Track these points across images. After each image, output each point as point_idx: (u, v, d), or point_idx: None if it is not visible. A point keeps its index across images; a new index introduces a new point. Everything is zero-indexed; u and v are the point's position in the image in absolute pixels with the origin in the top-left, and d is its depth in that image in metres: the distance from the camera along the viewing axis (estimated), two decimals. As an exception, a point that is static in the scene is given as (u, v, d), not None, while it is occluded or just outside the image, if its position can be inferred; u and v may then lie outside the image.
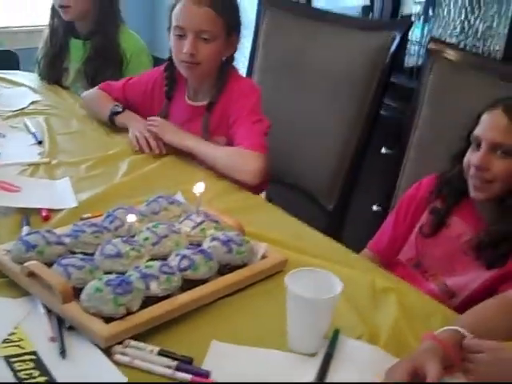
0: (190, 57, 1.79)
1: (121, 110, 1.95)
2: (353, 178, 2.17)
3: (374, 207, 2.33)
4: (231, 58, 1.89)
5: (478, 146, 1.41)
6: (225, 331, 1.14)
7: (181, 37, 1.80)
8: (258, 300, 1.23)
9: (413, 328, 1.17)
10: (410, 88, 2.08)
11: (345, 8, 3.02)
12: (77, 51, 2.37)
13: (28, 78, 2.44)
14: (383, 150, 2.39)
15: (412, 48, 2.64)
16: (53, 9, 2.37)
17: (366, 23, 2.20)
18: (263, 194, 1.97)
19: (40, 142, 1.85)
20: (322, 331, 1.08)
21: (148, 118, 1.87)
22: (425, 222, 1.54)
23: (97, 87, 2.08)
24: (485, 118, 1.42)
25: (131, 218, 1.26)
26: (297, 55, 2.24)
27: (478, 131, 1.42)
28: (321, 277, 1.10)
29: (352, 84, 2.11)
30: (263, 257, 1.32)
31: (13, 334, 1.11)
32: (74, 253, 1.26)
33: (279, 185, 2.25)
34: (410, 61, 2.62)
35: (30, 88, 2.30)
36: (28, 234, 1.26)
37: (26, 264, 1.19)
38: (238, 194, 1.66)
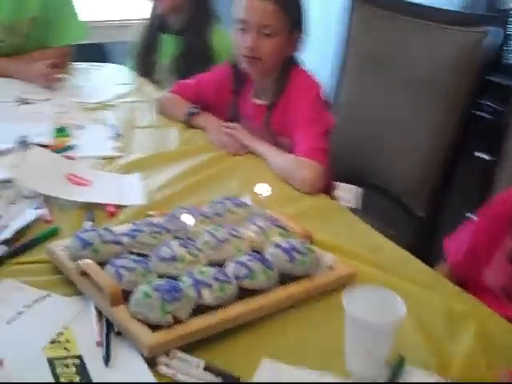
0: (251, 51, 1.73)
1: (197, 111, 1.92)
2: (445, 182, 2.03)
3: (469, 215, 2.18)
4: (294, 57, 1.81)
5: None
6: (278, 348, 1.05)
7: (243, 31, 1.75)
8: (320, 315, 1.14)
9: (491, 361, 1.04)
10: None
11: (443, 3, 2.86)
12: (168, 46, 2.36)
13: (115, 70, 2.45)
14: (479, 154, 2.24)
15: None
16: (153, 1, 2.36)
17: (460, 18, 2.04)
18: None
19: (118, 135, 1.83)
20: (381, 357, 0.98)
21: (224, 125, 1.84)
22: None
23: (169, 90, 2.06)
24: None
25: (189, 219, 1.20)
26: (386, 52, 2.13)
27: None
28: (383, 296, 1.00)
29: (443, 83, 1.98)
30: (329, 268, 1.23)
31: (61, 334, 1.08)
32: (132, 253, 1.22)
33: (363, 186, 2.15)
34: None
35: (116, 81, 2.30)
36: (85, 231, 1.22)
37: (79, 262, 1.15)
38: (311, 198, 1.57)
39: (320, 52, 4.13)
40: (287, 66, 1.79)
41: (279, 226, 1.29)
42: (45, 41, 2.41)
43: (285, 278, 1.19)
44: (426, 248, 2.00)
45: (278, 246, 1.22)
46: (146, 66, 2.40)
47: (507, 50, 2.35)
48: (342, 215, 1.53)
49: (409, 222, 2.06)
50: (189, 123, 1.92)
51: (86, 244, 1.18)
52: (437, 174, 2.01)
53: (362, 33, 2.23)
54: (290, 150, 1.72)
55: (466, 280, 1.42)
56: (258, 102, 1.84)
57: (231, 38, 2.32)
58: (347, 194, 2.37)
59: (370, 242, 1.38)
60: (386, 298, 1.00)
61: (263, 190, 1.31)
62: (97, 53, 2.86)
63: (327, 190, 1.67)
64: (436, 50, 2.01)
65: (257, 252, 1.23)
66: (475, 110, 2.17)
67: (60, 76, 2.23)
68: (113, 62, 2.70)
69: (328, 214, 1.51)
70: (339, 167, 2.17)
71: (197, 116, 1.92)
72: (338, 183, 2.22)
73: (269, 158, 1.71)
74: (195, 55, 2.27)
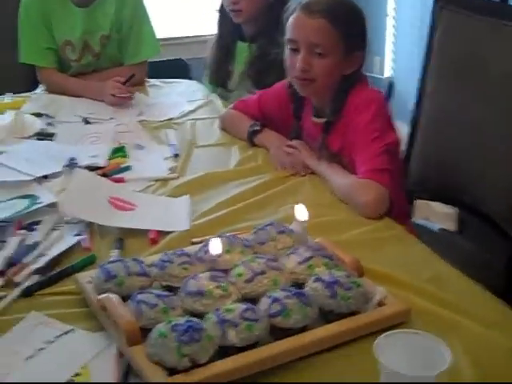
0: (303, 73, 1.60)
1: (259, 128, 1.82)
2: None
3: None
4: (354, 75, 1.66)
5: None
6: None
7: (294, 51, 1.62)
8: (365, 360, 0.99)
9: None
10: None
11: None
12: (242, 54, 2.30)
13: (186, 86, 2.39)
14: None
15: None
16: (221, 12, 2.31)
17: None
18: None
19: (176, 155, 1.76)
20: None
21: (286, 144, 1.73)
22: None
23: (231, 106, 1.99)
24: None
25: (216, 249, 1.09)
26: (475, 58, 1.95)
27: None
28: (426, 343, 0.85)
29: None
30: (380, 304, 1.08)
31: (78, 374, 1.00)
32: (162, 286, 1.13)
33: (449, 203, 1.97)
34: None
35: (185, 97, 2.24)
36: (111, 262, 1.14)
37: (100, 297, 1.07)
38: (372, 223, 1.42)
39: (407, 58, 3.97)
40: (345, 84, 1.64)
41: (325, 256, 1.16)
42: (118, 58, 2.39)
43: (327, 316, 1.06)
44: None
45: (318, 279, 1.08)
46: (221, 76, 2.34)
47: None
48: (403, 241, 1.37)
49: (502, 243, 1.86)
50: (251, 141, 1.82)
51: (110, 276, 1.10)
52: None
53: (446, 36, 2.07)
54: (351, 171, 1.58)
55: None
56: (317, 120, 1.71)
57: None
58: (438, 213, 2.20)
59: (430, 272, 1.22)
60: (429, 345, 0.85)
61: (302, 213, 1.18)
62: (175, 68, 2.83)
63: (392, 213, 1.51)
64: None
65: (298, 285, 1.11)
66: None
67: (131, 94, 2.19)
68: (191, 77, 2.66)
69: (387, 239, 1.36)
70: (426, 183, 2.01)
71: (259, 134, 1.82)
72: (427, 202, 2.07)
73: (330, 180, 1.58)
74: (268, 61, 2.18)
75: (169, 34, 3.51)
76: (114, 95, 2.16)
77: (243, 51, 2.29)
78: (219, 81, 2.35)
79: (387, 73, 4.15)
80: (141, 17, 2.36)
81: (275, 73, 2.09)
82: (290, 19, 1.64)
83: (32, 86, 2.67)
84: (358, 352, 1.01)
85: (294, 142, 1.72)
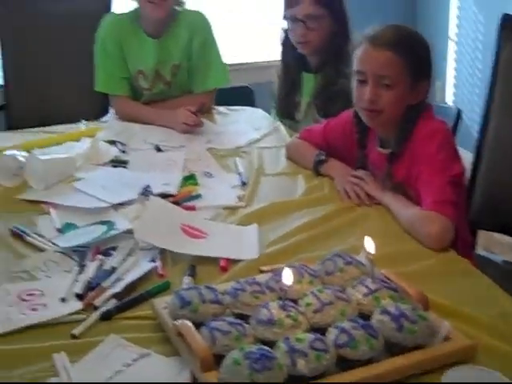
0: (371, 104, 1.64)
1: (324, 158, 1.86)
2: None
3: None
4: (420, 105, 1.68)
5: None
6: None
7: (361, 82, 1.65)
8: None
9: None
10: None
11: None
12: (308, 84, 2.34)
13: (252, 114, 2.45)
14: None
15: None
16: (284, 45, 2.36)
17: None
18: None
19: (244, 184, 1.81)
20: None
21: (352, 174, 1.76)
22: None
23: (297, 136, 2.03)
24: None
25: (289, 279, 1.14)
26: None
27: None
28: (493, 380, 0.88)
29: None
30: (445, 339, 1.11)
31: (153, 397, 1.06)
32: (233, 313, 1.18)
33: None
34: None
35: (252, 125, 2.30)
36: (186, 289, 1.20)
37: (175, 322, 1.13)
38: (437, 255, 1.44)
39: (470, 83, 3.95)
40: (411, 115, 1.67)
41: (391, 288, 1.19)
42: (187, 86, 2.47)
43: (393, 348, 1.09)
44: None
45: (385, 311, 1.12)
46: (289, 107, 2.39)
47: None
48: (469, 275, 1.39)
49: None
50: (317, 171, 1.87)
51: (185, 303, 1.16)
52: None
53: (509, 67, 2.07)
54: (416, 202, 1.61)
55: None
56: (382, 150, 1.74)
57: None
58: (501, 245, 2.19)
59: (497, 308, 1.24)
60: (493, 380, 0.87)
61: (370, 246, 1.22)
62: (240, 95, 2.90)
63: (456, 245, 1.53)
64: None
65: (364, 316, 1.14)
66: None
67: (200, 121, 2.27)
68: (257, 104, 2.72)
69: (453, 273, 1.38)
70: (489, 214, 2.01)
71: (324, 163, 1.86)
72: (491, 233, 2.06)
73: (394, 210, 1.61)
74: (334, 91, 2.21)
75: (233, 59, 3.59)
76: (186, 123, 2.24)
77: (309, 82, 2.33)
78: (287, 112, 2.40)
79: (449, 97, 4.13)
80: (210, 45, 2.43)
81: (341, 102, 2.13)
82: (357, 51, 1.68)
83: (102, 111, 2.79)
84: (423, 384, 1.04)
85: (359, 172, 1.76)
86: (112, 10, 2.73)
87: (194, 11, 2.43)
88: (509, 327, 1.18)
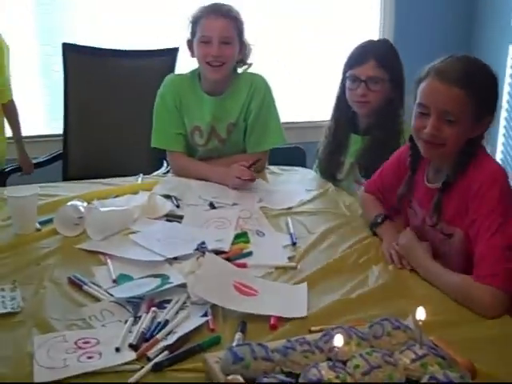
0: (432, 137, 1.65)
1: (380, 221, 1.91)
2: None
3: None
4: (479, 138, 1.69)
5: None
6: None
7: (423, 115, 1.66)
8: None
9: None
10: None
11: None
12: (355, 146, 2.39)
13: (303, 174, 2.51)
14: None
15: None
16: (339, 102, 2.41)
17: None
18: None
19: (294, 244, 1.86)
20: None
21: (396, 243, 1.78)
22: None
23: (363, 189, 2.09)
24: None
25: (339, 341, 1.17)
26: None
27: None
28: None
29: None
30: (491, 408, 1.12)
31: None
32: (283, 371, 1.21)
33: None
34: None
35: (303, 185, 2.35)
36: (239, 345, 1.24)
37: (229, 377, 1.16)
38: (489, 322, 1.46)
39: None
40: (470, 148, 1.66)
41: (439, 355, 1.21)
42: (242, 145, 2.53)
43: (440, 415, 1.11)
44: None
45: (433, 378, 1.14)
46: (332, 166, 2.43)
47: None
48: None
49: None
50: (373, 232, 1.92)
51: (238, 358, 1.19)
52: None
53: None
54: (460, 242, 1.63)
55: None
56: (431, 185, 1.75)
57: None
58: None
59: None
60: None
61: (421, 314, 1.24)
62: (293, 154, 2.96)
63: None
64: None
65: (411, 382, 1.16)
66: None
67: (253, 176, 2.32)
68: (308, 163, 2.76)
69: (505, 341, 1.39)
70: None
71: (381, 225, 1.90)
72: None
73: (436, 279, 1.61)
74: (382, 151, 2.22)
75: (286, 118, 3.68)
76: (239, 178, 2.29)
77: (356, 143, 2.38)
78: (329, 171, 2.44)
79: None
80: (269, 107, 2.49)
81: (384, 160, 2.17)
82: (423, 84, 1.66)
83: (158, 165, 2.89)
84: None
85: (401, 242, 1.77)
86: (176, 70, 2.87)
87: (255, 74, 2.51)
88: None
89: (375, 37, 3.88)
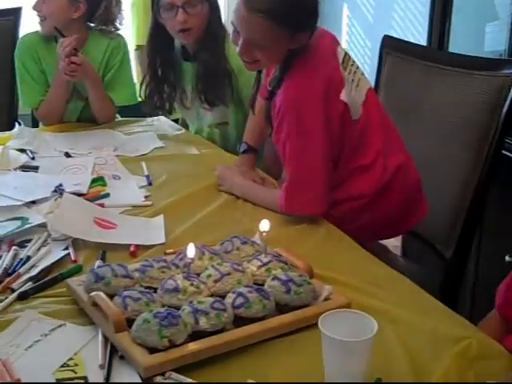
0: (244, 58, 1.72)
1: (241, 151, 2.05)
2: (473, 223, 2.05)
3: (507, 258, 2.19)
4: (299, 49, 1.70)
5: None
6: (267, 373, 1.13)
7: (238, 33, 1.68)
8: (313, 343, 1.19)
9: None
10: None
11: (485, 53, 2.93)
12: (189, 72, 2.40)
13: (160, 124, 2.59)
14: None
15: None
16: (153, 37, 2.38)
17: (485, 62, 2.11)
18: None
19: (150, 184, 1.95)
20: (357, 374, 1.03)
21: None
22: None
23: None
24: None
25: (191, 253, 1.29)
26: (415, 97, 2.20)
27: None
28: (357, 318, 1.07)
29: (471, 125, 2.03)
30: (326, 299, 1.29)
31: (71, 359, 1.18)
32: (142, 286, 1.32)
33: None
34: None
35: (158, 134, 2.44)
36: (100, 267, 1.33)
37: (91, 294, 1.26)
38: (321, 234, 1.65)
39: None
40: (287, 60, 1.70)
41: (281, 261, 1.37)
42: None
43: (282, 308, 1.26)
44: (453, 288, 2.03)
45: (276, 278, 1.29)
46: (174, 97, 2.45)
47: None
48: (350, 251, 1.58)
49: (438, 263, 2.08)
50: None
51: (99, 278, 1.29)
52: (465, 215, 2.04)
53: (391, 80, 2.32)
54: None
55: None
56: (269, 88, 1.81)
57: None
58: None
59: (371, 276, 1.44)
60: (360, 319, 1.07)
61: (265, 226, 1.39)
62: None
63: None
64: (463, 94, 2.07)
65: (258, 285, 1.31)
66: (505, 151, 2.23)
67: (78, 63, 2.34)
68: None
69: (337, 250, 1.58)
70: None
71: (242, 154, 2.05)
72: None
73: (257, 196, 1.82)
74: (213, 75, 2.28)
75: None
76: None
77: (190, 70, 2.38)
78: (168, 103, 2.46)
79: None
80: (125, 64, 2.55)
81: (221, 85, 2.27)
82: (235, 7, 1.65)
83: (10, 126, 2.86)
84: (309, 337, 1.21)
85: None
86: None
87: (117, 34, 2.54)
88: (379, 288, 1.38)
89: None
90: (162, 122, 2.62)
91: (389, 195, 1.80)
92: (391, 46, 2.35)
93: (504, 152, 2.14)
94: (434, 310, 1.33)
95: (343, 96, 1.72)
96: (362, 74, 1.84)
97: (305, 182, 1.71)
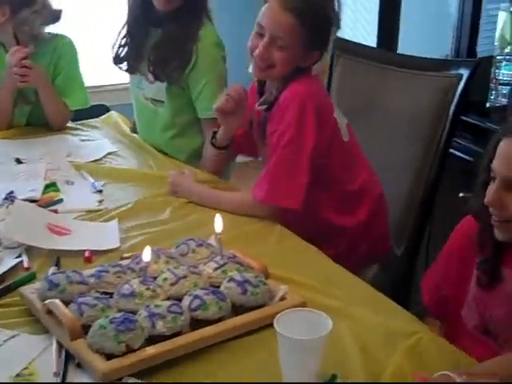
0: (261, 58, 1.73)
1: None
2: (423, 220, 2.10)
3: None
4: (306, 69, 1.78)
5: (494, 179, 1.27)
6: (227, 375, 1.14)
7: (259, 35, 1.73)
8: (269, 343, 1.20)
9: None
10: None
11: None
12: (153, 38, 2.28)
13: (111, 121, 2.58)
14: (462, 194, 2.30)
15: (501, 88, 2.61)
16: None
17: (433, 64, 2.16)
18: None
19: (100, 191, 1.94)
20: (312, 371, 1.05)
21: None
22: (476, 282, 1.38)
23: None
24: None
25: (147, 257, 1.29)
26: (366, 98, 2.24)
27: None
28: (312, 317, 1.09)
29: (420, 125, 2.08)
30: (282, 299, 1.31)
31: (26, 368, 1.17)
32: (98, 292, 1.31)
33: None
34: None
35: (110, 139, 2.42)
36: (54, 274, 1.32)
37: (45, 302, 1.25)
38: (275, 236, 1.67)
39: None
40: (293, 74, 1.74)
41: (237, 263, 1.38)
42: None
43: (239, 309, 1.27)
44: (404, 284, 2.08)
45: (231, 279, 1.30)
46: (131, 57, 2.33)
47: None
48: (305, 251, 1.61)
49: (389, 260, 2.12)
50: None
51: (53, 285, 1.28)
52: (415, 213, 2.08)
53: (344, 81, 2.35)
54: None
55: (445, 320, 1.48)
56: (258, 108, 1.84)
57: (216, 34, 2.22)
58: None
59: (325, 275, 1.47)
60: (314, 317, 1.08)
61: (219, 224, 1.41)
62: (101, 113, 2.97)
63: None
64: (412, 95, 2.12)
65: (215, 287, 1.31)
66: (454, 150, 2.29)
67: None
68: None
69: (291, 250, 1.61)
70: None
71: None
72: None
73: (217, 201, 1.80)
74: (173, 48, 2.18)
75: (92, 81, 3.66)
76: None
77: (154, 37, 2.27)
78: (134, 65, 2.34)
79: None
80: (73, 70, 2.50)
81: (176, 61, 2.16)
82: (266, 5, 1.71)
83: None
84: (266, 337, 1.22)
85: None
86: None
87: (62, 35, 2.48)
88: (332, 286, 1.41)
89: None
90: (114, 123, 2.59)
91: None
92: (342, 48, 2.38)
93: (452, 150, 2.19)
94: (386, 307, 1.36)
95: (335, 114, 1.81)
96: None
97: (290, 173, 1.70)
